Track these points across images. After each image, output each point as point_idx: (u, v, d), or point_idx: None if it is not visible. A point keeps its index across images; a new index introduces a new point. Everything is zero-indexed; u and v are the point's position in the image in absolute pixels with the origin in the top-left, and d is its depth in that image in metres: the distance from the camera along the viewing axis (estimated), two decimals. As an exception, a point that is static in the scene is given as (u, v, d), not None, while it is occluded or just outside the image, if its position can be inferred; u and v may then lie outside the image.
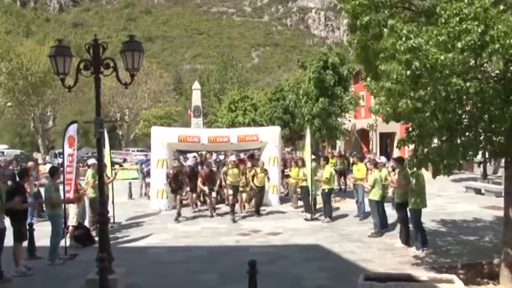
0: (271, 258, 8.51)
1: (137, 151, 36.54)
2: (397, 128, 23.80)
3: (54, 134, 45.50)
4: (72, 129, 9.66)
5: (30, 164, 13.58)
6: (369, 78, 7.05)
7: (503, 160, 7.06)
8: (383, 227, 10.45)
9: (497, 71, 5.88)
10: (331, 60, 20.86)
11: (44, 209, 11.65)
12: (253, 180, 13.19)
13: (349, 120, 29.46)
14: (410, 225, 9.21)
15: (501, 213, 7.26)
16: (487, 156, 7.08)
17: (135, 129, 48.77)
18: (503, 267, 6.72)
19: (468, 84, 5.62)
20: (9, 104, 37.95)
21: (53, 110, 41.60)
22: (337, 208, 13.77)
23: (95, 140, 7.09)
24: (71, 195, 9.36)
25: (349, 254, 8.89)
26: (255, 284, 6.01)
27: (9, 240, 8.13)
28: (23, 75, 35.61)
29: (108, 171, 12.46)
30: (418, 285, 6.08)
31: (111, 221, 11.27)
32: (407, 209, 9.14)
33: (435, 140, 6.95)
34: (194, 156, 17.73)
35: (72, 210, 9.84)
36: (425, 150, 6.65)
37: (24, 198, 8.25)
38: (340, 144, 36.81)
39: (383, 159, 12.91)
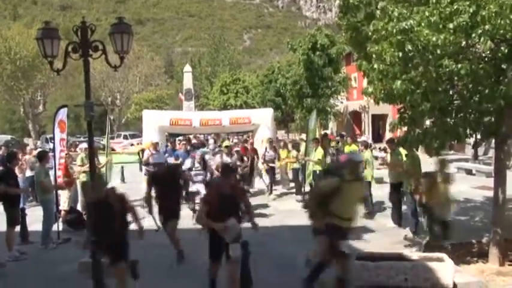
0: (264, 239, 8.53)
1: (129, 135, 36.28)
2: (389, 110, 23.88)
3: (45, 119, 45.12)
4: (63, 114, 9.59)
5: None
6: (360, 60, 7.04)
7: (493, 141, 7.10)
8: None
9: (488, 52, 5.89)
10: (320, 41, 20.77)
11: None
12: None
13: (341, 102, 29.48)
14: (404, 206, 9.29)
15: (491, 193, 7.33)
16: (478, 137, 7.13)
17: (127, 113, 48.48)
18: (492, 246, 6.83)
19: (460, 65, 5.62)
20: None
21: (43, 94, 41.17)
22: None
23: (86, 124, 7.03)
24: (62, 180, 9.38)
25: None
26: (248, 265, 6.06)
27: (1, 226, 8.14)
28: (11, 60, 35.12)
29: (103, 157, 12.51)
30: (409, 264, 6.18)
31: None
32: (401, 191, 9.21)
33: (427, 122, 6.98)
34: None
35: (64, 194, 9.82)
36: (417, 131, 6.68)
37: (15, 183, 8.22)
38: (332, 126, 36.90)
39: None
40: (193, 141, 18.28)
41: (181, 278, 6.87)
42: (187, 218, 9.31)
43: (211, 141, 15.04)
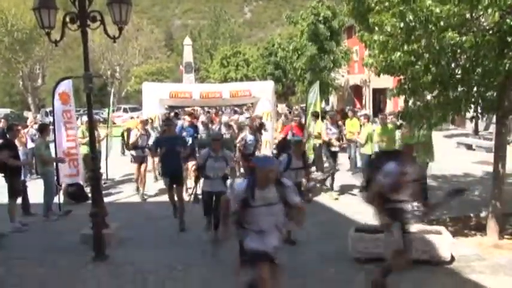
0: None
1: (129, 109, 36.13)
2: (390, 84, 23.69)
3: (44, 92, 44.82)
4: (66, 86, 9.51)
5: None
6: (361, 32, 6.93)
7: (494, 117, 7.06)
8: None
9: (493, 24, 5.79)
10: (323, 13, 20.48)
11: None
12: None
13: (342, 76, 29.24)
14: None
15: (491, 168, 7.33)
16: (479, 111, 7.09)
17: (127, 87, 48.20)
18: (490, 219, 6.87)
19: (464, 38, 5.53)
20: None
21: (42, 67, 40.76)
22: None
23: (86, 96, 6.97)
24: (78, 151, 9.66)
25: (343, 207, 9.01)
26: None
27: (3, 198, 8.19)
28: (8, 32, 34.64)
29: (102, 130, 12.41)
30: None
31: (104, 177, 11.32)
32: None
33: (428, 97, 6.92)
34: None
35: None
36: (417, 104, 6.63)
37: (15, 154, 8.23)
38: (332, 99, 36.73)
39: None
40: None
41: (182, 248, 6.94)
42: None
43: (200, 127, 12.11)
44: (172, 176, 7.96)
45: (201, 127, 11.91)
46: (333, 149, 10.47)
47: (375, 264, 6.03)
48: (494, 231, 6.80)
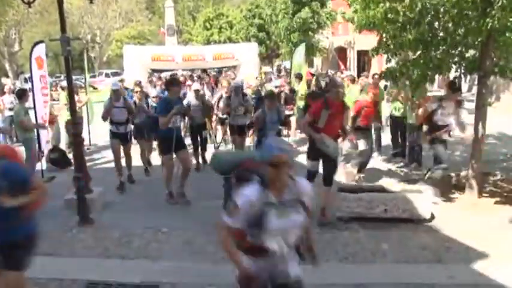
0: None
1: (111, 73, 35.50)
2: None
3: (22, 58, 43.61)
4: (40, 50, 9.24)
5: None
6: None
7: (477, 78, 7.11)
8: None
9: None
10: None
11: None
12: None
13: (327, 38, 28.99)
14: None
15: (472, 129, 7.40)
16: (462, 71, 7.10)
17: (108, 51, 47.13)
18: (470, 178, 7.01)
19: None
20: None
21: (18, 32, 39.50)
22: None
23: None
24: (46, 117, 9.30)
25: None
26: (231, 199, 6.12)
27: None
28: (-21, -6, 33.33)
29: (83, 95, 12.20)
30: (390, 195, 6.35)
31: (87, 142, 11.21)
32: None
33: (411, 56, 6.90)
34: None
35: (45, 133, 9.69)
36: (400, 63, 6.63)
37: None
38: (317, 62, 36.52)
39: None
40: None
41: (166, 211, 6.98)
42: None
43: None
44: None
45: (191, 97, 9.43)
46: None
47: (357, 223, 6.18)
48: (474, 190, 6.95)
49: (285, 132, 11.03)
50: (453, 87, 7.52)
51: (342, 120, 6.31)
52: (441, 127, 7.26)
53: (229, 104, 9.02)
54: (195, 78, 15.55)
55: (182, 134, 8.23)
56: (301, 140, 11.15)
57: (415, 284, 4.62)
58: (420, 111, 8.15)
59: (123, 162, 8.46)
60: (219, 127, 11.68)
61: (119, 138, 8.29)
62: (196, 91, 9.42)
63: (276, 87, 10.71)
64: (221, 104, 9.57)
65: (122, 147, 8.36)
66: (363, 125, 8.04)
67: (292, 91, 11.77)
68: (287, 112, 10.50)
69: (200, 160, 9.49)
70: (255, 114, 7.94)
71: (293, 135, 11.79)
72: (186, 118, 9.49)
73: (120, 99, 8.23)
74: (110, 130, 8.39)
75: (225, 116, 9.91)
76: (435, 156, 7.47)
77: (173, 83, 7.38)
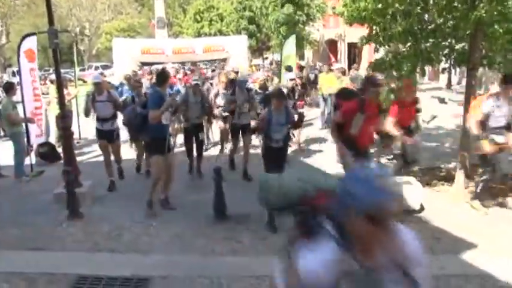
0: (238, 167, 8.55)
1: (100, 66, 35.18)
2: (365, 38, 23.59)
3: (9, 50, 43.11)
4: (32, 43, 9.13)
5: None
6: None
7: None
8: None
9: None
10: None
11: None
12: None
13: (318, 30, 28.94)
14: None
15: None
16: (451, 63, 7.13)
17: (97, 44, 46.73)
18: (458, 170, 7.06)
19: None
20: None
21: (5, 24, 39.01)
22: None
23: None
24: (42, 111, 9.34)
25: (314, 161, 9.13)
26: (221, 191, 6.14)
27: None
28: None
29: (72, 89, 12.07)
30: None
31: (76, 136, 11.13)
32: None
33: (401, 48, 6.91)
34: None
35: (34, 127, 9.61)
36: (389, 55, 6.64)
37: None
38: (308, 54, 36.50)
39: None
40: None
41: (156, 204, 6.96)
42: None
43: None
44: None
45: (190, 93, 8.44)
46: None
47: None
48: (462, 182, 7.00)
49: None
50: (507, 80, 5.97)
51: (377, 124, 5.78)
52: (496, 129, 6.08)
53: (234, 100, 8.26)
54: (188, 71, 15.39)
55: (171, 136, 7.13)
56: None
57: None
58: (471, 120, 6.33)
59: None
60: (215, 124, 10.17)
61: (105, 138, 7.72)
62: (196, 85, 8.23)
63: (291, 79, 9.60)
64: (219, 101, 8.68)
65: (110, 146, 7.83)
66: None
67: (305, 86, 11.53)
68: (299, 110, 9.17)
69: (195, 170, 8.37)
70: (261, 116, 6.86)
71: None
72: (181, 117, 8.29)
73: (104, 92, 7.63)
74: (96, 128, 7.82)
75: (226, 114, 8.66)
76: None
77: (166, 76, 6.80)
